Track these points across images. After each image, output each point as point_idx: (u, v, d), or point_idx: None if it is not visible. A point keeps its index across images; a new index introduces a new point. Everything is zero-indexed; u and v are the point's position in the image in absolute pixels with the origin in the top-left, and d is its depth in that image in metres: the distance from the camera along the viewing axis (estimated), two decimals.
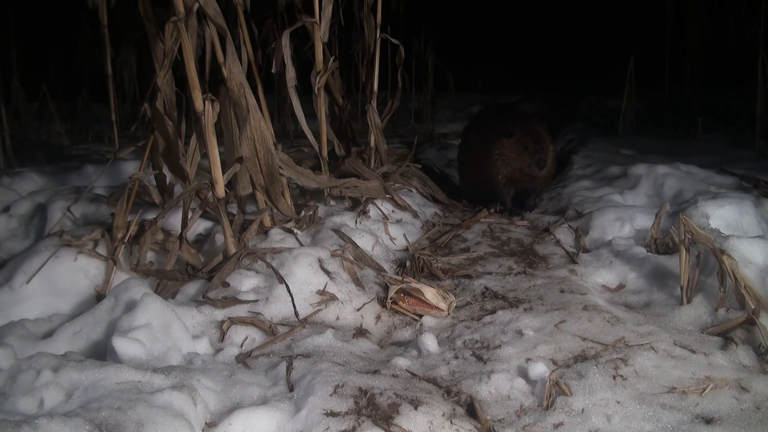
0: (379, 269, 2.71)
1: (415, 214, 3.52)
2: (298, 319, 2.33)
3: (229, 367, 2.02)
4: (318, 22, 3.13)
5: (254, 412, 1.73)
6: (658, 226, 2.83)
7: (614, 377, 1.90)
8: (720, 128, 6.17)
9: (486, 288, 2.63)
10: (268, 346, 2.17)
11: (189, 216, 2.63)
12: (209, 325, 2.27)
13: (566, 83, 9.46)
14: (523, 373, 1.95)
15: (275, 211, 2.92)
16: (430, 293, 2.46)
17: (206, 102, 2.50)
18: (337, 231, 2.85)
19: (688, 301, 2.36)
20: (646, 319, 2.31)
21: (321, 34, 3.15)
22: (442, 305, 2.45)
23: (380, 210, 3.33)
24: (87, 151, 5.55)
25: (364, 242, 2.88)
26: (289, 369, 1.98)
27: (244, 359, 2.08)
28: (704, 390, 1.82)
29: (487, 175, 3.78)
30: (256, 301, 2.37)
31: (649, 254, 2.73)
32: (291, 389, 1.89)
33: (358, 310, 2.44)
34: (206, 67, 2.81)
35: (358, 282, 2.56)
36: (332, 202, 3.37)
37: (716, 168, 4.04)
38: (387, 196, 3.45)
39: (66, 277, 2.50)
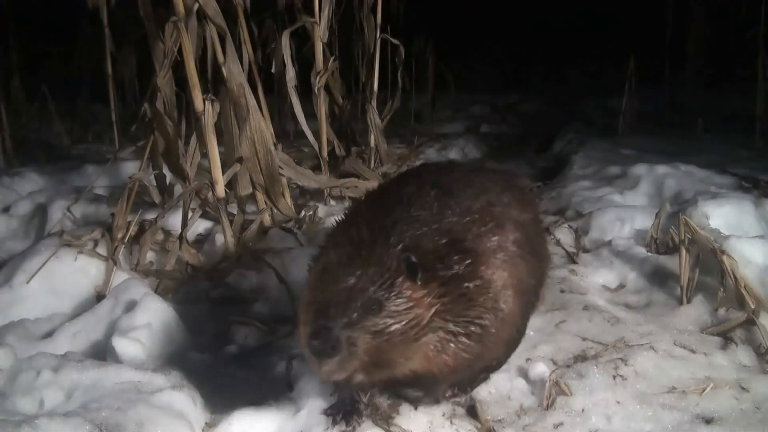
0: None
1: None
2: None
3: (229, 366, 2.02)
4: (318, 22, 3.13)
5: (254, 412, 1.73)
6: (658, 226, 2.83)
7: (614, 377, 1.90)
8: (720, 128, 6.16)
9: None
10: (268, 346, 2.17)
11: (189, 216, 2.63)
12: (209, 325, 2.27)
13: (566, 83, 9.46)
14: (523, 373, 1.95)
15: (275, 211, 2.92)
16: None
17: (206, 102, 2.50)
18: None
19: (688, 301, 2.36)
20: (646, 319, 2.31)
21: (321, 34, 3.15)
22: None
23: None
24: (87, 151, 5.54)
25: None
26: (289, 369, 1.97)
27: (243, 359, 2.08)
28: (704, 390, 1.82)
29: None
30: (256, 301, 2.37)
31: (649, 254, 2.72)
32: (291, 389, 1.88)
33: None
34: (206, 68, 2.81)
35: None
36: (332, 202, 3.36)
37: (716, 168, 4.03)
38: None
39: (66, 277, 2.50)
